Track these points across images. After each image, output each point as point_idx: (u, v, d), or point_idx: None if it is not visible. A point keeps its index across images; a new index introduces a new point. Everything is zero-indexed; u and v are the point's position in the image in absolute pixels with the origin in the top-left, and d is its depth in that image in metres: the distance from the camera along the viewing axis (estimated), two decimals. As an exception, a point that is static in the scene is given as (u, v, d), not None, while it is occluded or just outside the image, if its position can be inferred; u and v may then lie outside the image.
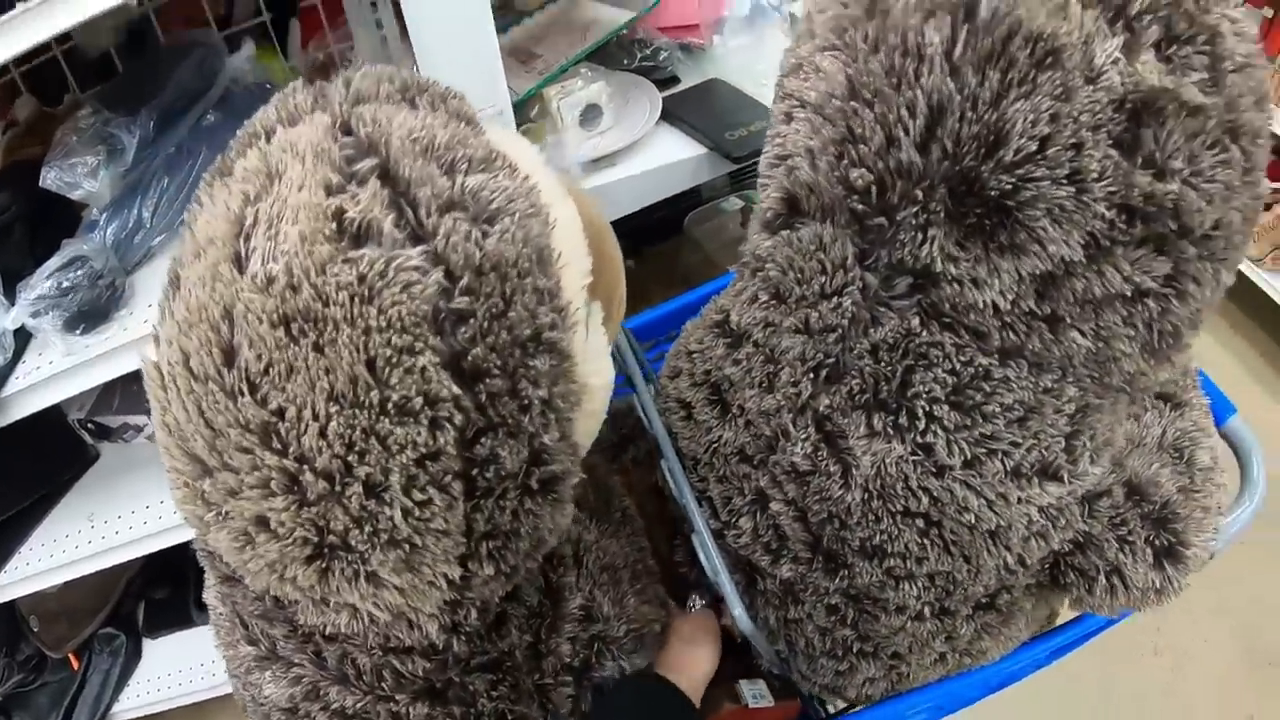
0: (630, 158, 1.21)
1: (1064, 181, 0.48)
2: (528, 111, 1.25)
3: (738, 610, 0.69)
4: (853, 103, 0.52)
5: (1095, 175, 0.48)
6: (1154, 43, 0.48)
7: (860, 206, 0.53)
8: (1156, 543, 0.64)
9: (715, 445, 0.71)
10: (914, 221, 0.52)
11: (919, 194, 0.51)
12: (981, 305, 0.52)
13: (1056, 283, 0.51)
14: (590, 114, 1.19)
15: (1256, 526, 2.20)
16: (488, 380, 0.44)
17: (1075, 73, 0.47)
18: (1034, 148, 0.48)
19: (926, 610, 0.66)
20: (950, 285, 0.53)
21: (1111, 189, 0.49)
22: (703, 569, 0.73)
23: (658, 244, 1.82)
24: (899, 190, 0.51)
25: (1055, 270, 0.51)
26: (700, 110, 1.24)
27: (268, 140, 0.49)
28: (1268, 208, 2.71)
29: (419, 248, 0.42)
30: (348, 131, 0.47)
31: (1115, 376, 0.57)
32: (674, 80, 1.33)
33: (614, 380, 0.59)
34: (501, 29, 1.49)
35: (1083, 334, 0.53)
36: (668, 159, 1.19)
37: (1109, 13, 0.48)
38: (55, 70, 1.33)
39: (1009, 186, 0.48)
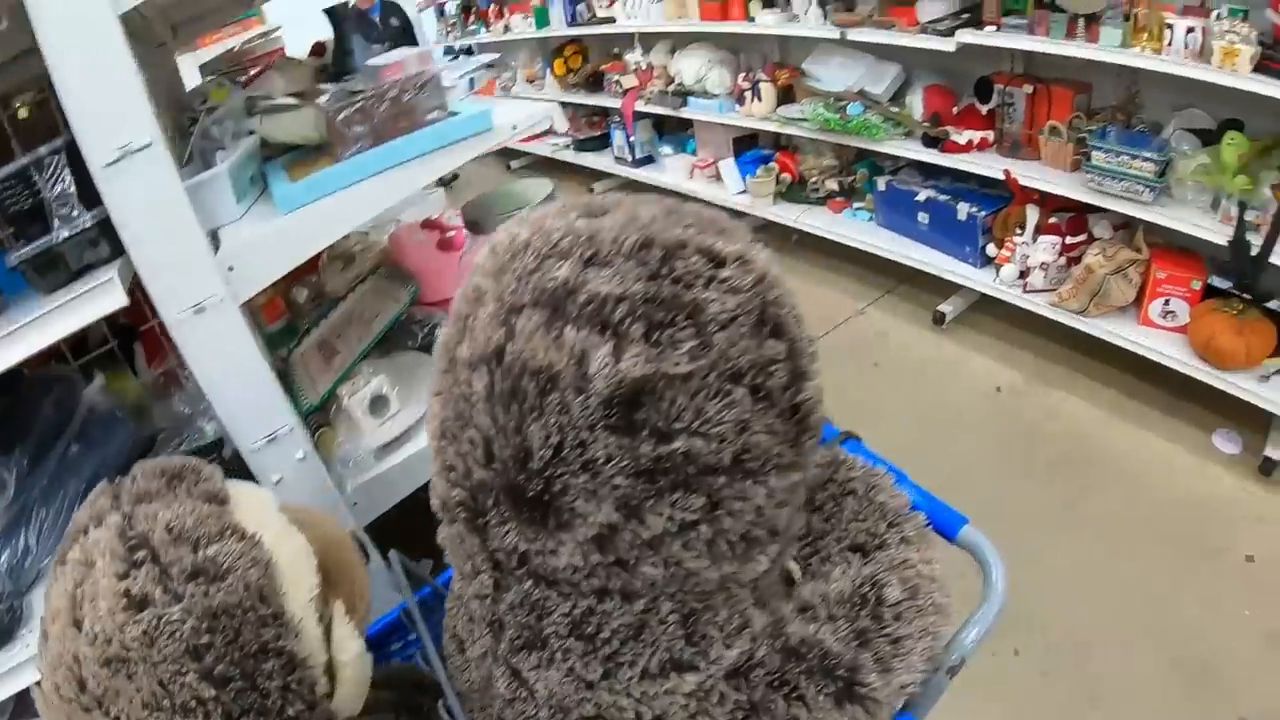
0: (420, 432, 1.39)
1: (580, 472, 0.63)
2: (328, 411, 1.45)
3: None
4: (443, 441, 0.72)
5: (603, 460, 0.63)
6: (640, 336, 0.62)
7: (465, 514, 0.72)
8: (829, 690, 0.74)
9: (470, 683, 0.86)
10: (497, 519, 0.69)
11: (491, 502, 0.68)
12: (563, 567, 0.68)
13: (610, 539, 0.66)
14: (378, 404, 1.40)
15: (1160, 547, 2.21)
16: (233, 683, 0.71)
17: (569, 390, 0.62)
18: (550, 454, 0.63)
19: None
20: (537, 557, 0.69)
21: (622, 464, 0.63)
22: None
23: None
24: (480, 501, 0.69)
25: (603, 532, 0.65)
26: (475, 372, 1.43)
27: (86, 535, 0.79)
28: (1076, 261, 3.01)
29: (178, 606, 0.71)
30: (132, 526, 0.77)
31: (706, 585, 0.70)
32: (454, 349, 1.54)
33: (363, 652, 0.84)
34: (315, 322, 1.72)
35: (653, 566, 0.67)
36: (453, 425, 1.38)
37: (596, 327, 0.62)
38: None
39: (541, 485, 0.65)
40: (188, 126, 1.84)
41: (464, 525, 0.73)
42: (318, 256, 1.95)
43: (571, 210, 0.73)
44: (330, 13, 2.06)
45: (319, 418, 1.47)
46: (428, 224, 1.78)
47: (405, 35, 6.46)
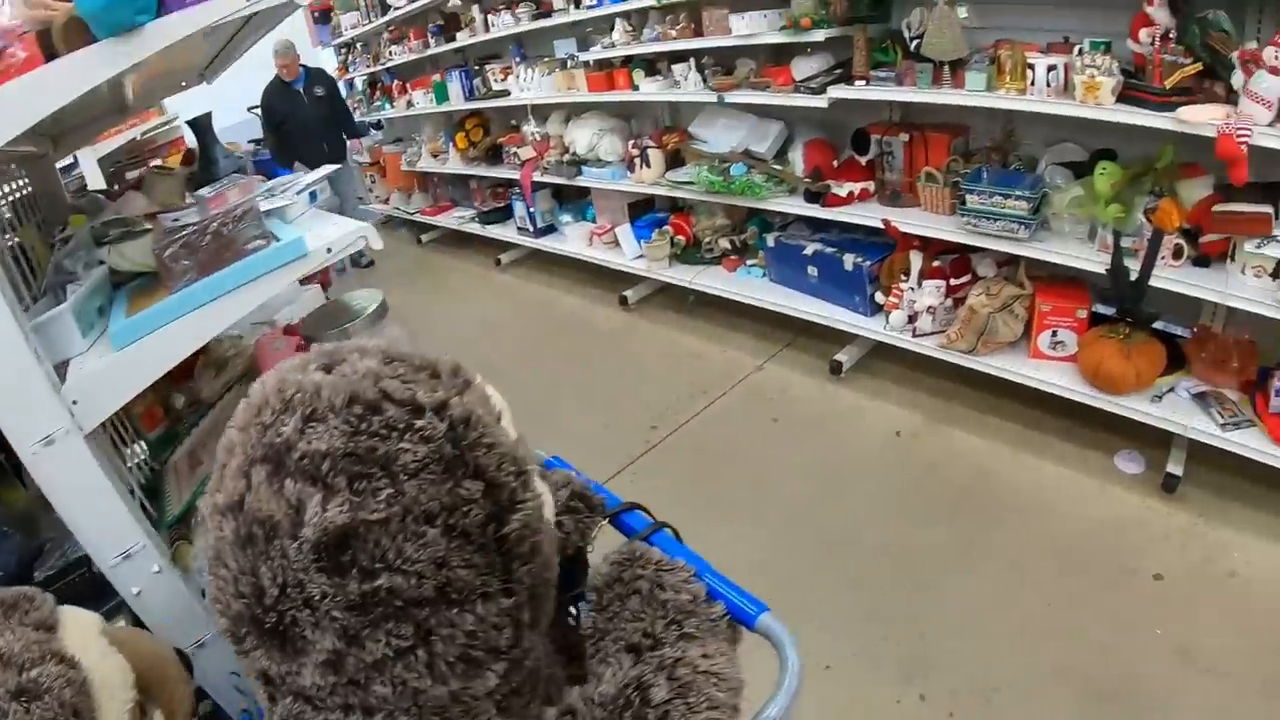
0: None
1: (303, 607, 0.74)
2: (190, 520, 1.55)
3: None
4: (209, 576, 0.83)
5: (319, 597, 0.73)
6: (344, 487, 0.71)
7: (232, 639, 0.82)
8: None
9: None
10: (251, 645, 0.79)
11: (245, 630, 0.79)
12: (309, 685, 0.78)
13: (339, 663, 0.76)
14: (235, 515, 1.49)
15: (1067, 576, 2.42)
16: None
17: (286, 537, 0.73)
18: (277, 592, 0.74)
19: None
20: (288, 678, 0.79)
21: (336, 599, 0.73)
22: None
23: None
24: (238, 629, 0.79)
25: (331, 657, 0.76)
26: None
27: None
28: (961, 303, 3.18)
29: None
30: None
31: (436, 701, 0.79)
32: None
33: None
34: (188, 429, 1.82)
35: (383, 685, 0.77)
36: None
37: (308, 480, 0.72)
38: None
39: (276, 618, 0.76)
40: (53, 249, 1.95)
41: (235, 647, 0.83)
42: (193, 360, 2.03)
43: (312, 362, 0.84)
44: (193, 124, 2.18)
45: (181, 528, 1.56)
46: (289, 330, 1.88)
47: (332, 103, 6.57)
